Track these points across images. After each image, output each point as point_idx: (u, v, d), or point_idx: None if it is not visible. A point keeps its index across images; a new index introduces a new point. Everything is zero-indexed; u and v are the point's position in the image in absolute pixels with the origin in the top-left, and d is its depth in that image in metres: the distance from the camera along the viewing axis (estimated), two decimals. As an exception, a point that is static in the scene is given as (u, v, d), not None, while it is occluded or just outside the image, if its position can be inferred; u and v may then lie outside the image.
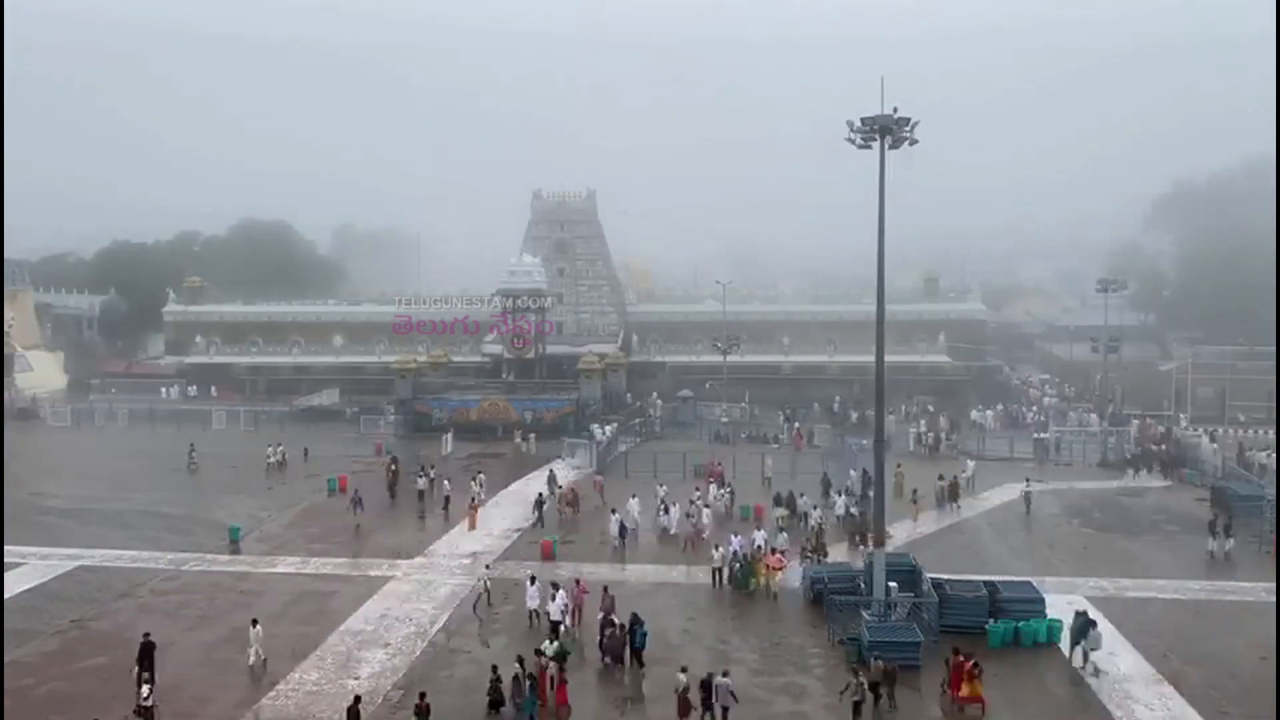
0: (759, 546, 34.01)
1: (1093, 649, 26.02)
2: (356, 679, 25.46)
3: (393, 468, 46.58)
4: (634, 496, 40.53)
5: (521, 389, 68.17)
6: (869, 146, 29.20)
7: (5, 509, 37.67)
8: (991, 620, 27.99)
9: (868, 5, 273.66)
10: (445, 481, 44.05)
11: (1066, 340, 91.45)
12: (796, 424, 64.99)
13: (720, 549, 33.22)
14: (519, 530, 39.80)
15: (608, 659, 26.33)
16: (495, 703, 23.71)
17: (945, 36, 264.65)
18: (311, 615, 29.88)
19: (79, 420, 66.67)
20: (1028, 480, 45.09)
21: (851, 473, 44.92)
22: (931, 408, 70.76)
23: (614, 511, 38.48)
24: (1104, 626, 28.92)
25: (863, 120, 28.93)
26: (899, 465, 45.36)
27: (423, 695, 22.79)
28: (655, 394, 75.14)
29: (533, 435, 58.37)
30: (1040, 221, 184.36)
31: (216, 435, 62.95)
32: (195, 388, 79.71)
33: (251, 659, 25.69)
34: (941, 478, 44.29)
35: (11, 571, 32.95)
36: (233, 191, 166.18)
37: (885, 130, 28.70)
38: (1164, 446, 56.12)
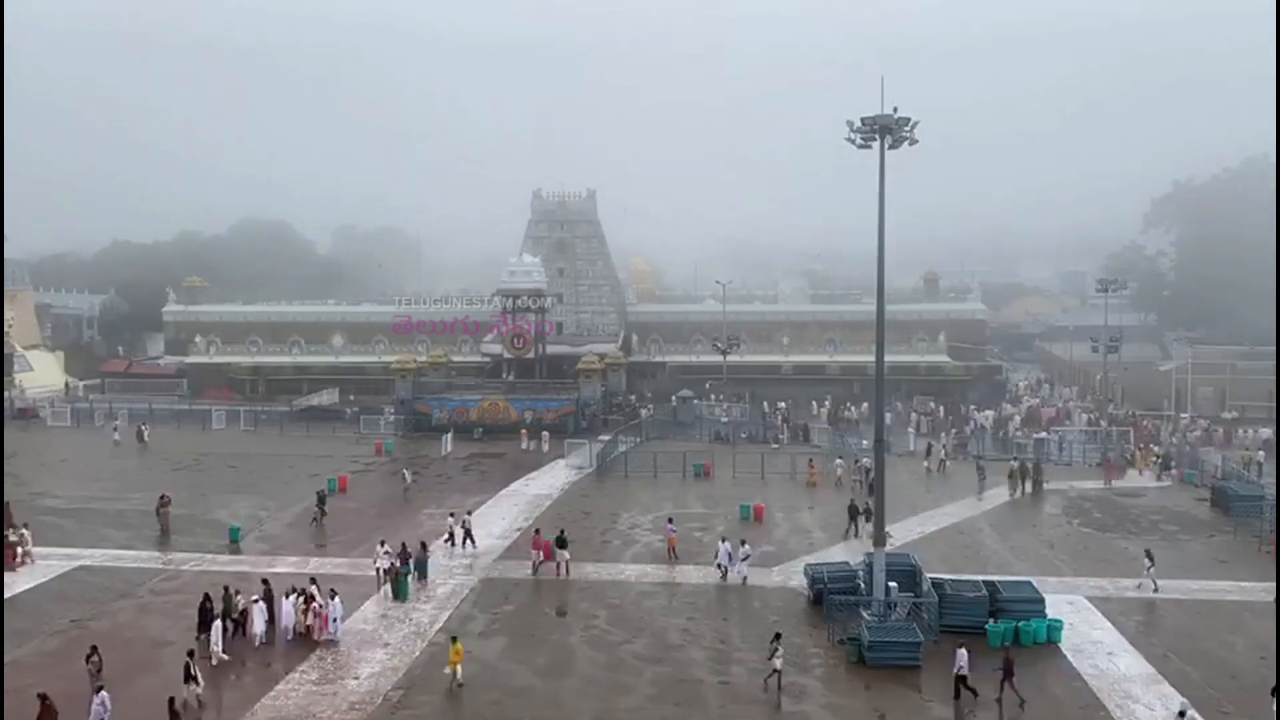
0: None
1: None
2: (356, 679, 25.46)
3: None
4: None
5: (521, 389, 68.10)
6: (869, 146, 29.21)
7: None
8: (991, 620, 28.00)
9: (876, 12, 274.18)
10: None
11: (1066, 340, 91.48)
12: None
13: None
14: (519, 530, 39.79)
15: None
16: None
17: (949, 45, 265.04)
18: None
19: (79, 420, 66.61)
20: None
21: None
22: (932, 405, 70.77)
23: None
24: (1104, 626, 29.04)
25: (863, 120, 28.94)
26: None
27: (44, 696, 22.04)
28: (649, 395, 75.04)
29: (545, 434, 58.22)
30: (1040, 222, 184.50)
31: (216, 435, 62.99)
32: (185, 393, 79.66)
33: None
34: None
35: (12, 571, 32.94)
36: (233, 191, 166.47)
37: (885, 130, 28.70)
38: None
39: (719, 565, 33.46)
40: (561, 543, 34.70)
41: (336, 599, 28.51)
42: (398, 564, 32.16)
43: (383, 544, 33.29)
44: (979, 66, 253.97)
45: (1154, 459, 51.66)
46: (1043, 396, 77.85)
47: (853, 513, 39.55)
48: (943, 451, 53.63)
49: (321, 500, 41.81)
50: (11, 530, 35.32)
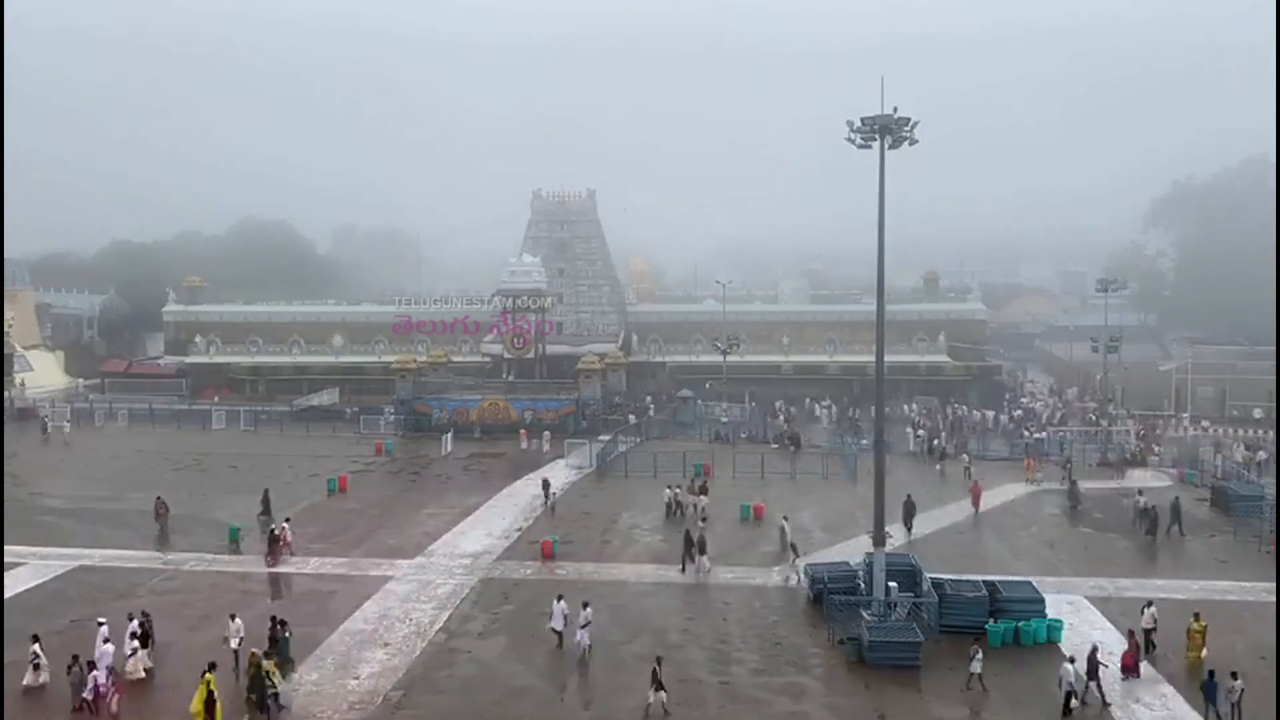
0: None
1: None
2: (356, 679, 25.45)
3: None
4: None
5: (521, 389, 68.09)
6: (869, 146, 29.21)
7: (5, 509, 37.65)
8: (991, 620, 28.00)
9: (876, 10, 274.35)
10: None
11: (1066, 340, 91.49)
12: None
13: None
14: (519, 530, 39.80)
15: None
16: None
17: (950, 44, 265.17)
18: (311, 615, 29.84)
19: (79, 420, 66.54)
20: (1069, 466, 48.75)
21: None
22: (930, 407, 70.71)
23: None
24: (1104, 626, 29.02)
25: (863, 120, 28.93)
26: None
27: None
28: (648, 396, 74.94)
29: (546, 434, 58.21)
30: (1041, 222, 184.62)
31: (215, 435, 62.97)
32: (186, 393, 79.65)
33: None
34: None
35: (11, 571, 32.93)
36: (233, 191, 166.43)
37: (885, 130, 28.70)
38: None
39: (553, 629, 27.76)
40: (704, 486, 42.45)
41: (108, 645, 24.43)
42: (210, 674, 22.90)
43: (234, 617, 26.79)
44: (980, 63, 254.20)
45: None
46: (1044, 401, 77.66)
47: (687, 544, 34.70)
48: (940, 452, 53.61)
49: (546, 486, 44.35)
50: (274, 525, 36.66)
